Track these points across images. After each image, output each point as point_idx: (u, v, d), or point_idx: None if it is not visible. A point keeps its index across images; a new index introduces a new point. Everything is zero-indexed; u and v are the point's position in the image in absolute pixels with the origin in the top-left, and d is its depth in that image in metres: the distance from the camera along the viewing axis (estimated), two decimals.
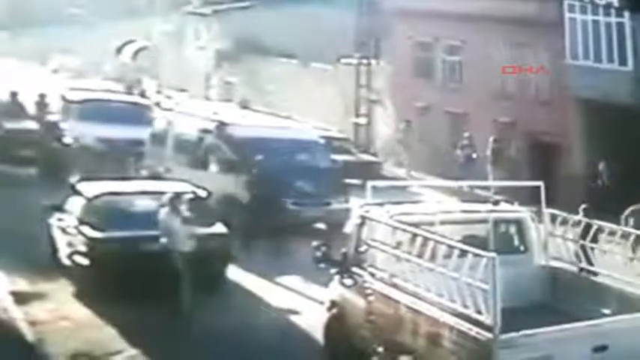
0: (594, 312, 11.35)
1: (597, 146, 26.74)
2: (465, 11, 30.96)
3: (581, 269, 12.70)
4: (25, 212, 19.46)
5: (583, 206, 13.74)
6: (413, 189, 21.30)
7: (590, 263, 12.71)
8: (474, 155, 29.90)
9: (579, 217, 12.94)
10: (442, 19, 32.36)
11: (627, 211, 19.11)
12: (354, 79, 36.48)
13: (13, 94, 27.33)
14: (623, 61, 26.32)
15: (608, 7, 22.31)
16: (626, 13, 25.29)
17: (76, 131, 26.87)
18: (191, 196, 16.43)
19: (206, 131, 22.95)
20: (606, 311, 11.50)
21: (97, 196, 16.79)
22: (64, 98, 29.38)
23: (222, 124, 22.78)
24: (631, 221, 17.89)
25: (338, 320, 13.11)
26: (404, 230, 11.64)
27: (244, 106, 28.39)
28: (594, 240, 12.84)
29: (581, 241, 12.79)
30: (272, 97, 36.92)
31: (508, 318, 10.04)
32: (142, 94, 34.21)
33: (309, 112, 32.70)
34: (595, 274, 12.58)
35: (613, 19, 26.22)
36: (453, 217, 12.85)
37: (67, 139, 26.80)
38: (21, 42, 63.89)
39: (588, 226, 12.85)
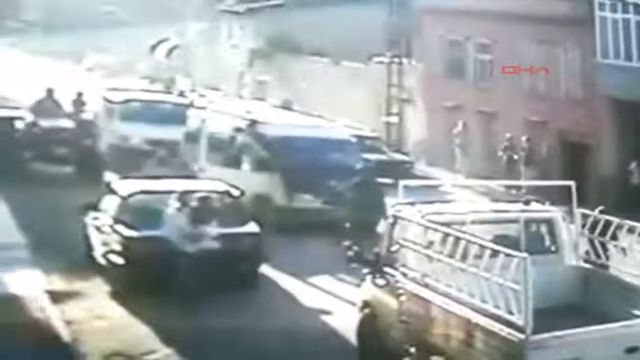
0: (626, 313, 11.30)
1: (628, 146, 26.61)
2: (495, 10, 30.91)
3: (596, 264, 12.67)
4: (61, 211, 19.63)
5: (600, 208, 13.65)
6: (444, 188, 21.29)
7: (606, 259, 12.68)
8: (516, 157, 29.46)
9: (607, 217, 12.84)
10: (473, 17, 32.32)
11: None
12: (386, 78, 36.47)
13: (49, 92, 27.62)
14: None
15: (638, 5, 22.18)
16: None
17: (122, 132, 27.25)
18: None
19: (239, 130, 23.10)
20: (637, 312, 11.42)
21: (131, 195, 16.92)
22: (105, 98, 29.73)
23: (254, 123, 22.92)
24: None
25: (370, 320, 13.14)
26: (435, 230, 11.65)
27: (287, 106, 28.58)
28: (614, 237, 12.74)
29: (612, 242, 12.75)
30: (304, 96, 36.99)
31: (539, 319, 10.03)
32: (181, 94, 34.49)
33: (340, 110, 32.77)
34: (606, 267, 12.51)
35: None
36: (484, 217, 12.85)
37: (113, 140, 27.10)
38: (55, 40, 64.34)
39: (608, 224, 12.76)
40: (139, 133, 27.08)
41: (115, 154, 26.47)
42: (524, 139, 29.32)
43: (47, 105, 27.55)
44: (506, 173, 27.95)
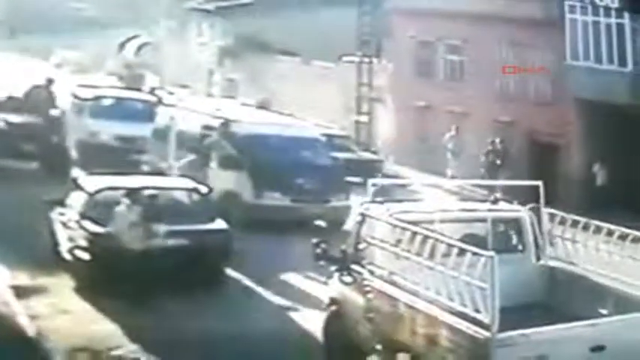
0: (592, 312, 11.37)
1: (596, 147, 26.80)
2: (466, 11, 31.07)
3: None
4: (27, 206, 19.46)
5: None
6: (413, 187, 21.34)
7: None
8: (499, 161, 28.97)
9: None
10: (444, 18, 32.48)
11: None
12: (356, 77, 36.56)
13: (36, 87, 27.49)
14: (622, 62, 26.40)
15: (608, 8, 22.36)
16: (627, 15, 25.31)
17: (91, 128, 27.13)
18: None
19: (208, 128, 23.04)
20: (604, 311, 11.53)
21: (98, 191, 16.86)
22: (74, 95, 29.55)
23: (224, 121, 22.87)
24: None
25: (337, 317, 13.13)
26: (403, 228, 11.66)
27: (264, 105, 28.56)
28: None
29: (567, 237, 12.77)
30: (274, 95, 36.95)
31: (506, 317, 10.06)
32: (152, 91, 34.36)
33: (310, 109, 32.78)
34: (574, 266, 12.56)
35: (613, 20, 26.28)
36: (452, 216, 12.91)
37: (82, 136, 26.95)
38: (23, 37, 63.90)
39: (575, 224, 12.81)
40: (109, 130, 26.98)
41: (83, 150, 26.33)
42: (497, 140, 29.33)
43: (14, 101, 27.37)
44: (488, 177, 27.64)
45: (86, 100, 28.88)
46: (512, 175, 25.20)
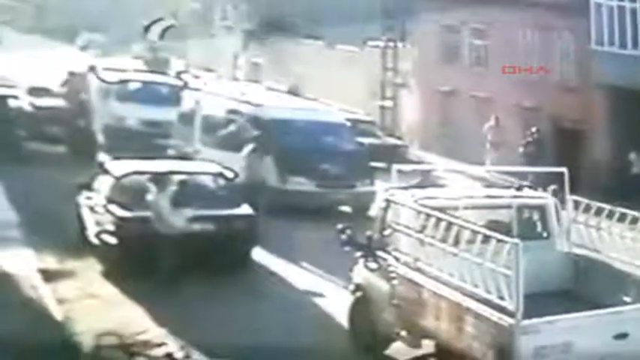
0: (615, 299, 11.39)
1: (620, 132, 26.64)
2: None
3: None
4: (54, 190, 19.69)
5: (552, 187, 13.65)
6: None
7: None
8: (539, 153, 27.51)
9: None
10: (469, 2, 32.31)
11: None
12: (381, 62, 36.49)
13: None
14: None
15: None
16: None
17: (118, 112, 27.23)
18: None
19: (234, 112, 23.11)
20: (627, 299, 11.52)
21: (125, 175, 16.93)
22: (100, 78, 29.65)
23: (249, 105, 22.94)
24: None
25: (362, 304, 13.17)
26: (428, 214, 11.70)
27: (293, 91, 28.56)
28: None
29: (592, 225, 12.75)
30: (299, 79, 37.00)
31: (530, 304, 10.10)
32: (178, 75, 34.46)
33: (335, 94, 32.82)
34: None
35: (638, 5, 26.11)
36: (476, 202, 12.92)
37: (108, 120, 27.11)
38: (48, 19, 64.15)
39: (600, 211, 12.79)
40: (135, 114, 27.05)
41: (109, 134, 26.46)
42: (534, 130, 28.55)
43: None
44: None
45: (112, 83, 28.97)
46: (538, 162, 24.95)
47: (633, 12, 26.43)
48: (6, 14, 65.17)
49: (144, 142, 23.61)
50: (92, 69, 27.61)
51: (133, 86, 28.85)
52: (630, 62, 26.40)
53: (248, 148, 21.01)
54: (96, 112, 27.36)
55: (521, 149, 28.39)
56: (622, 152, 26.26)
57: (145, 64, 41.31)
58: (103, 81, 29.34)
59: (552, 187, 13.24)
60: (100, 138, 26.39)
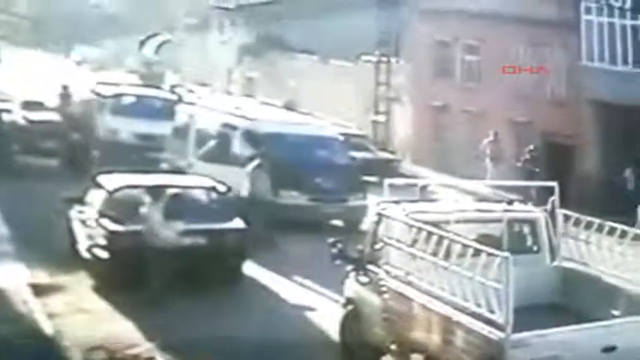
0: (604, 312, 11.45)
1: (611, 147, 26.75)
2: (484, 11, 31.09)
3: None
4: (46, 204, 19.64)
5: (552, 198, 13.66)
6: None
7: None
8: (537, 170, 27.21)
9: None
10: (462, 18, 32.52)
11: None
12: (374, 77, 36.62)
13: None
14: (638, 63, 26.37)
15: (623, 9, 22.28)
16: None
17: (112, 126, 27.29)
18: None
19: (228, 126, 23.16)
20: (616, 312, 11.58)
21: (117, 189, 16.91)
22: (95, 92, 29.76)
23: (243, 120, 22.99)
24: None
25: (353, 317, 13.23)
26: (419, 228, 11.73)
27: (289, 106, 28.64)
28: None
29: (581, 239, 12.82)
30: (292, 94, 37.08)
31: (520, 317, 10.15)
32: (172, 89, 34.56)
33: (328, 108, 32.90)
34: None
35: (628, 22, 26.26)
36: (467, 216, 12.95)
37: (102, 133, 27.16)
38: (45, 33, 64.23)
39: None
40: (128, 128, 27.12)
41: (103, 147, 26.50)
42: (532, 147, 28.23)
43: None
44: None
45: (106, 97, 29.06)
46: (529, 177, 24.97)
47: (623, 29, 26.59)
48: (3, 29, 65.33)
49: (137, 155, 23.65)
50: (65, 88, 27.66)
51: (127, 100, 28.95)
52: (620, 78, 26.55)
53: (253, 164, 20.97)
54: (90, 125, 27.40)
55: (518, 164, 28.22)
56: (612, 167, 26.30)
57: (140, 78, 41.42)
58: (98, 95, 29.44)
59: (552, 198, 13.25)
60: (94, 151, 26.48)
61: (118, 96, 28.98)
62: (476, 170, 29.03)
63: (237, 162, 22.05)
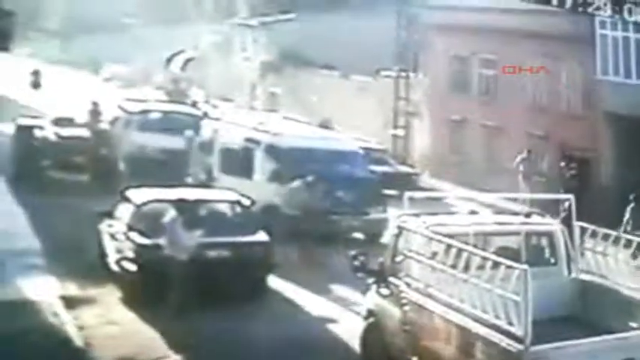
0: (622, 325, 11.55)
1: (626, 160, 26.75)
2: (500, 26, 31.28)
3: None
4: (77, 218, 19.89)
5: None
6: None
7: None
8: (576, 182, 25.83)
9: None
10: (479, 33, 32.72)
11: None
12: (393, 92, 36.86)
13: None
14: None
15: (637, 23, 22.28)
16: None
17: (139, 142, 27.64)
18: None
19: (252, 141, 23.46)
20: (634, 324, 11.67)
21: (145, 203, 17.17)
22: (122, 109, 30.20)
23: (266, 134, 23.30)
24: None
25: (374, 329, 13.35)
26: (439, 241, 11.91)
27: (325, 125, 28.94)
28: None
29: (598, 251, 12.95)
30: (315, 108, 37.39)
31: (538, 330, 10.27)
32: (194, 105, 34.99)
33: (349, 123, 33.19)
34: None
35: None
36: (486, 229, 13.10)
37: (130, 149, 27.51)
38: (74, 50, 64.76)
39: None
40: (156, 143, 27.49)
41: (131, 163, 26.90)
42: (573, 165, 27.33)
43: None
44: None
45: (134, 113, 29.51)
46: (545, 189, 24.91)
47: (638, 42, 26.68)
48: (33, 46, 65.89)
49: (164, 170, 23.99)
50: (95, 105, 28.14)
51: (153, 116, 29.36)
52: (635, 91, 26.61)
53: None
54: (118, 141, 27.78)
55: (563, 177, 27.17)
56: (625, 178, 26.17)
57: (167, 95, 41.88)
58: (125, 111, 29.89)
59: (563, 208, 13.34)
60: (122, 166, 26.75)
61: (144, 112, 29.44)
62: (494, 183, 29.17)
63: (261, 176, 22.42)
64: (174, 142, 26.84)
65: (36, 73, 43.69)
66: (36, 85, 42.94)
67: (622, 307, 12.22)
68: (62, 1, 69.63)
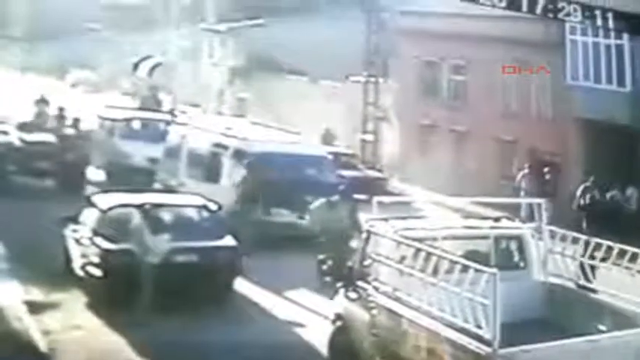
0: (591, 328, 11.58)
1: (595, 165, 26.85)
2: (470, 32, 31.36)
3: (580, 286, 12.97)
4: (41, 223, 19.77)
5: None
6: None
7: (588, 280, 12.97)
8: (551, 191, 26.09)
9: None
10: (448, 39, 32.80)
11: None
12: (362, 97, 36.89)
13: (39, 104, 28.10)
14: (621, 83, 26.60)
15: (608, 29, 22.42)
16: (625, 36, 25.49)
17: (123, 150, 27.47)
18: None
19: (219, 146, 23.37)
20: (602, 327, 11.72)
21: (110, 208, 17.08)
22: (102, 116, 30.04)
23: (234, 139, 23.21)
24: None
25: (342, 333, 13.30)
26: (408, 245, 11.89)
27: (328, 138, 28.94)
28: (592, 257, 13.04)
29: (580, 258, 13.04)
30: (282, 113, 37.33)
31: (507, 333, 10.26)
32: (172, 112, 34.89)
33: (317, 128, 33.16)
34: (594, 290, 12.81)
35: (612, 42, 26.54)
36: (455, 233, 13.11)
37: (112, 157, 27.32)
38: (39, 56, 64.41)
39: (587, 243, 13.08)
40: (140, 151, 27.32)
41: (113, 171, 26.76)
42: (547, 169, 27.99)
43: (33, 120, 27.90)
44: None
45: (115, 121, 29.40)
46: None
47: (608, 48, 26.85)
48: None
49: (145, 177, 23.92)
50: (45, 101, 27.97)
51: (135, 124, 29.30)
52: (604, 97, 26.77)
53: (238, 179, 21.13)
54: (96, 148, 27.61)
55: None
56: (593, 182, 26.17)
57: (136, 101, 41.71)
58: (105, 118, 29.74)
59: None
60: (103, 174, 26.45)
61: (127, 120, 29.37)
62: (463, 188, 29.25)
63: (229, 181, 22.31)
64: (157, 150, 26.63)
65: None
66: None
67: (590, 310, 12.23)
68: (25, 8, 69.24)
